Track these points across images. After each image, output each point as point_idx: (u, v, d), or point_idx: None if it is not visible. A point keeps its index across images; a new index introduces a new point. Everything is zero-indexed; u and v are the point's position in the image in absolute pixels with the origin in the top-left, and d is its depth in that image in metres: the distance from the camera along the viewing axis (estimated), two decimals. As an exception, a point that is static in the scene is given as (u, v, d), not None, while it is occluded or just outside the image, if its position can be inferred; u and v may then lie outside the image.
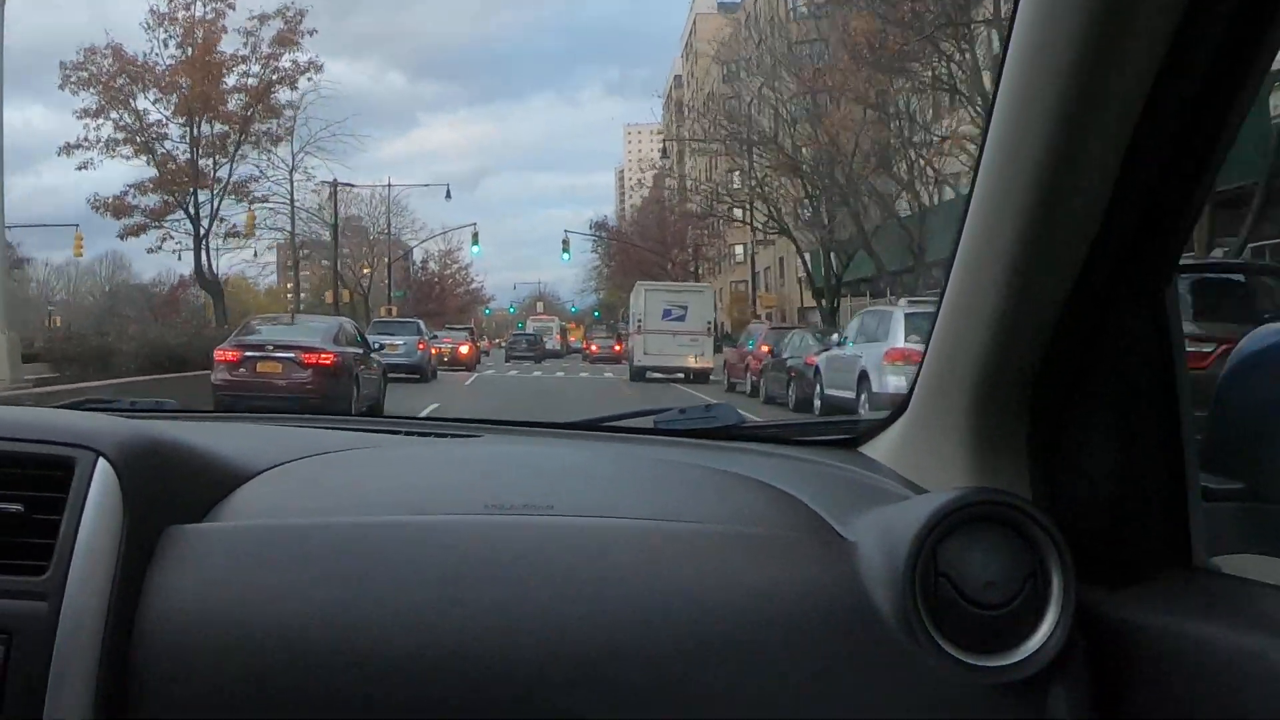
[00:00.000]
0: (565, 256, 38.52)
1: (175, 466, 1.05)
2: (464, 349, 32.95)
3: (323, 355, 12.84)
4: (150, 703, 0.90)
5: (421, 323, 27.14)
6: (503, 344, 56.37)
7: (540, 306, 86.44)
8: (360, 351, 14.27)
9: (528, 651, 0.91)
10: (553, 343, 59.08)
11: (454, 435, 1.57)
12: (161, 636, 0.92)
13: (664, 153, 45.39)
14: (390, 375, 20.86)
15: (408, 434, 1.55)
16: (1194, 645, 0.85)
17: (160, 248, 29.82)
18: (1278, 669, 0.78)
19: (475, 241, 41.61)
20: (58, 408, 1.23)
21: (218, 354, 13.33)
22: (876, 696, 0.91)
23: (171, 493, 1.02)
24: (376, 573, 0.95)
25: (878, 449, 1.37)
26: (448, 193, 46.83)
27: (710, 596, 0.95)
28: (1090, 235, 0.91)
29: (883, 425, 1.37)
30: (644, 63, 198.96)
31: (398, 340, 22.48)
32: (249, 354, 12.86)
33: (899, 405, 1.31)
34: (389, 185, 49.40)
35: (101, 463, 0.95)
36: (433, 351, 25.15)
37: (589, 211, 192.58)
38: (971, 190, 0.97)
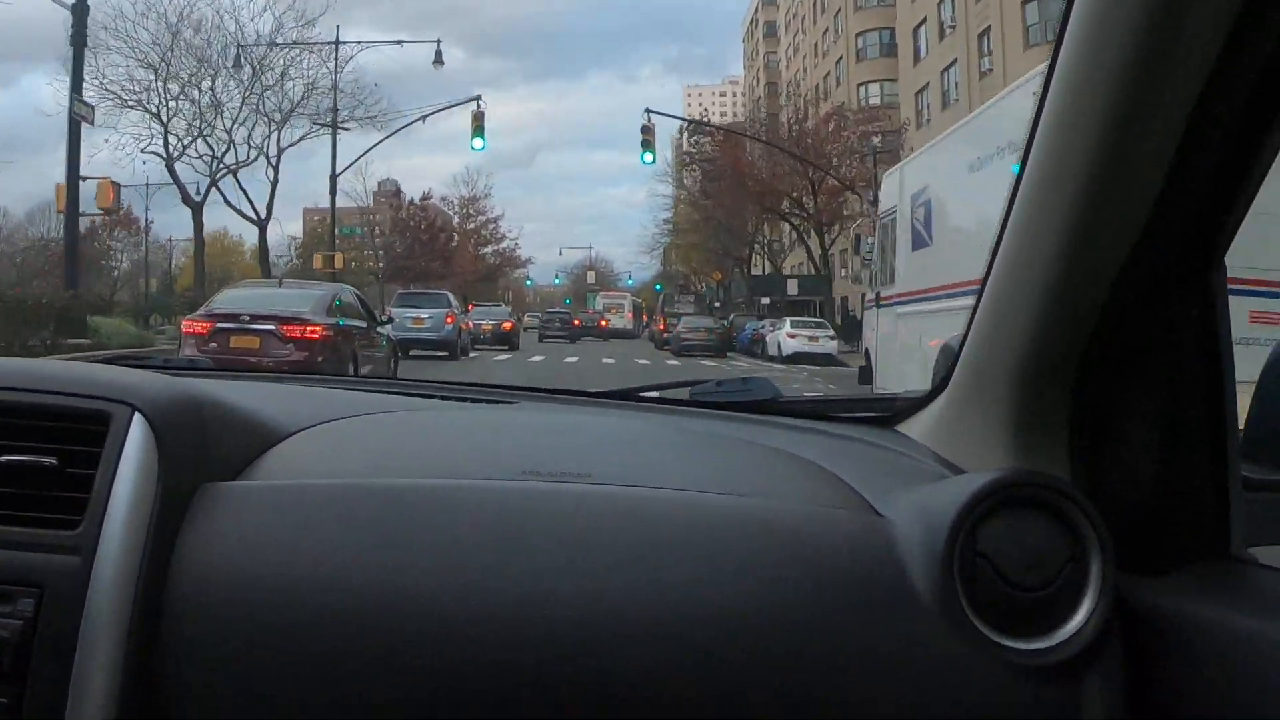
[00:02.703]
0: (647, 157, 26.86)
1: (211, 424, 1.04)
2: (506, 325, 29.91)
3: (309, 327, 10.94)
4: (181, 659, 0.90)
5: (451, 295, 24.60)
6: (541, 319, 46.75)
7: (592, 277, 78.89)
8: (361, 324, 12.27)
9: (564, 618, 0.90)
10: (624, 321, 51.42)
11: (489, 401, 1.53)
12: (194, 593, 0.91)
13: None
14: (415, 352, 19.12)
15: (443, 398, 1.52)
16: (1230, 635, 0.85)
17: None
18: None
19: (478, 131, 26.11)
20: (93, 362, 1.21)
21: (185, 325, 11.59)
22: (910, 674, 0.90)
23: (207, 450, 1.01)
24: (412, 535, 0.94)
25: (914, 427, 1.33)
26: (437, 53, 29.86)
27: (746, 568, 0.94)
28: (1140, 218, 0.90)
29: (920, 404, 1.34)
30: (703, 40, 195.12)
31: (423, 314, 20.99)
32: (222, 325, 10.93)
33: (938, 384, 1.28)
34: (335, 43, 32.00)
35: (138, 418, 0.95)
36: (463, 327, 23.00)
37: (643, 191, 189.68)
38: (1022, 168, 0.95)
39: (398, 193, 49.57)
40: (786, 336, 27.22)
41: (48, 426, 0.94)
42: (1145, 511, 0.98)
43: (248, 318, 10.98)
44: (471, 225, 56.50)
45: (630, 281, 78.87)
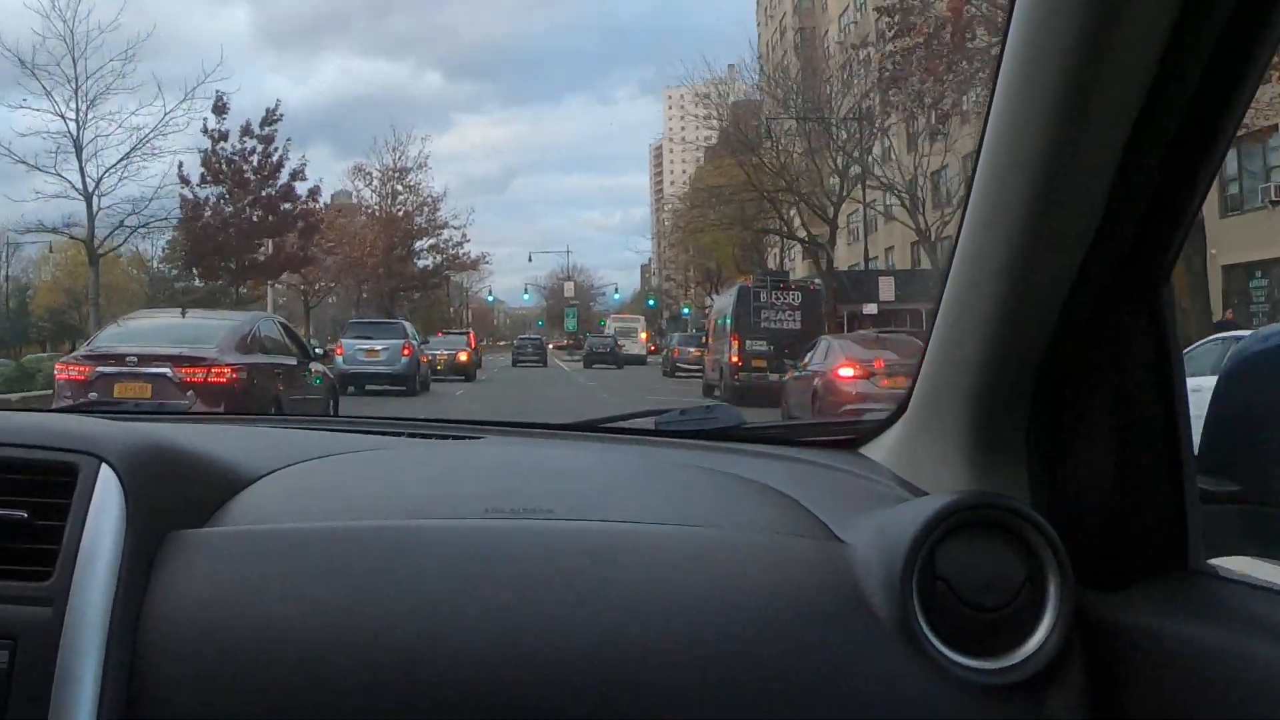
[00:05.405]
0: None
1: (177, 471, 1.05)
2: (462, 356, 26.79)
3: (215, 369, 8.74)
4: (155, 707, 0.90)
5: (408, 324, 22.46)
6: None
7: (570, 289, 71.99)
8: (287, 361, 10.13)
9: (529, 655, 0.91)
10: (638, 346, 46.62)
11: (455, 437, 1.55)
12: (165, 641, 0.92)
13: None
14: (370, 387, 17.10)
15: (410, 435, 1.52)
16: (1191, 647, 0.85)
17: None
18: (1273, 671, 0.78)
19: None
20: (59, 411, 1.23)
21: (59, 370, 9.46)
22: (873, 698, 0.91)
23: (174, 497, 1.02)
24: (378, 577, 0.95)
25: (878, 450, 1.34)
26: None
27: (708, 600, 0.95)
28: (1087, 235, 0.91)
29: (883, 426, 1.35)
30: (679, 62, 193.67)
31: (377, 345, 18.86)
32: (102, 370, 8.74)
33: (899, 406, 1.28)
34: None
35: (104, 468, 0.96)
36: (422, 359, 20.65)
37: (619, 213, 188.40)
38: (969, 190, 0.97)
39: (222, 107, 27.10)
40: None
41: (16, 479, 0.95)
42: (1104, 527, 0.99)
43: (135, 359, 8.84)
44: (399, 209, 39.80)
45: (617, 297, 73.91)
